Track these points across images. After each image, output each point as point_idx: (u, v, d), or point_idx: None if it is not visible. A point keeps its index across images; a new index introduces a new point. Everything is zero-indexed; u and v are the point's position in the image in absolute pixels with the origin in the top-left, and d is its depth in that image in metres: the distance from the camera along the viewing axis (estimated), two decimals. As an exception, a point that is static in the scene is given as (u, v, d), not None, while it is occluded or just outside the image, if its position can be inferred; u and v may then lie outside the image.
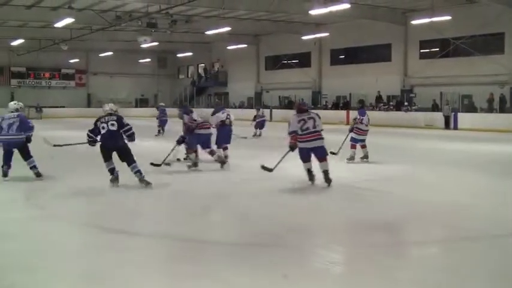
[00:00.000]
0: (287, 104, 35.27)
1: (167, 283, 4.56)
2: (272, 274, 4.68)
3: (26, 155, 9.61)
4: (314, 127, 8.80)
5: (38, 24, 30.02)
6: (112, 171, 8.93)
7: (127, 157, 8.85)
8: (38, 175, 9.64)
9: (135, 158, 8.86)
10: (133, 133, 8.98)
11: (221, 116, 11.90)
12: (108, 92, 41.86)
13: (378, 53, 31.09)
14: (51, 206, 7.84)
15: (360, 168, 11.32)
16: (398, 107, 28.27)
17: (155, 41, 30.10)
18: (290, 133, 8.82)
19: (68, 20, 24.36)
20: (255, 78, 39.69)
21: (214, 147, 11.36)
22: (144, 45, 30.43)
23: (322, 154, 8.87)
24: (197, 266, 4.91)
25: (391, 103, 29.04)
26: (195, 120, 10.94)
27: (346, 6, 21.72)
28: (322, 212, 7.49)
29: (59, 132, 22.74)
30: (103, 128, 8.87)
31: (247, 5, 25.22)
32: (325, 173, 8.82)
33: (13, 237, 5.95)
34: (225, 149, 11.94)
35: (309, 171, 8.98)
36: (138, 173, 8.82)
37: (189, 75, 47.61)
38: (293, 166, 9.44)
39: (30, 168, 9.62)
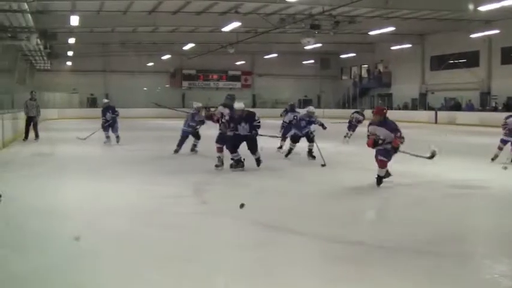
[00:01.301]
0: (453, 105, 33.92)
1: (322, 283, 4.52)
2: (435, 283, 4.51)
3: (196, 137, 14.11)
4: None
5: (207, 29, 31.61)
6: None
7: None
8: (192, 150, 14.04)
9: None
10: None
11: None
12: (271, 93, 43.19)
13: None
14: (216, 201, 8.10)
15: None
16: None
17: (318, 43, 30.31)
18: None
19: (235, 24, 25.44)
20: (420, 79, 38.46)
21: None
22: (307, 47, 30.84)
23: None
24: (353, 268, 4.87)
25: None
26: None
27: (521, -1, 20.23)
28: (487, 220, 7.08)
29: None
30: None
31: (412, 3, 24.65)
32: None
33: (178, 230, 6.22)
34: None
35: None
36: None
37: (352, 76, 47.47)
38: (449, 171, 9.16)
39: (194, 144, 14.05)
